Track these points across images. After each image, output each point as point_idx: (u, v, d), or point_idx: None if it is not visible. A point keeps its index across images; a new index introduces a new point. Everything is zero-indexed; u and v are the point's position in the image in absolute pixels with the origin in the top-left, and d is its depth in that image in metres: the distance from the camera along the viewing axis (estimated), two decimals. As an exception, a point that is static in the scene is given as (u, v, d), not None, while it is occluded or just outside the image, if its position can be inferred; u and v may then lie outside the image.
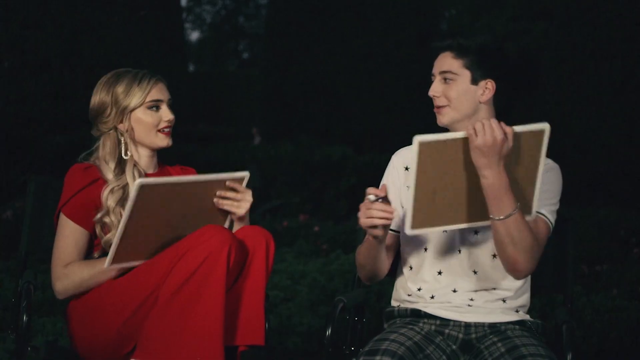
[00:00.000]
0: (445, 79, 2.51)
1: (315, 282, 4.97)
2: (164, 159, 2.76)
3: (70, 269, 2.51)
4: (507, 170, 2.29)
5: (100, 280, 2.49)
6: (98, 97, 2.62)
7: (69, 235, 2.55)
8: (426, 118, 3.22)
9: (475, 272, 2.51)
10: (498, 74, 2.50)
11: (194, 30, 22.99)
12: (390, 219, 2.32)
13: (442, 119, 2.53)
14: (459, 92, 2.49)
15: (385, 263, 2.57)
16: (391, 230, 2.63)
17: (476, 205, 2.34)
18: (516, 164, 2.31)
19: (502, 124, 2.28)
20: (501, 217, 2.32)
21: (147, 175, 2.66)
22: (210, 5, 22.61)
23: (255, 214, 7.18)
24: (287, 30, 10.63)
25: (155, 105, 2.62)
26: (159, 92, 2.63)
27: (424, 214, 2.30)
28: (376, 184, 2.67)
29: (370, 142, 9.66)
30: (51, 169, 7.07)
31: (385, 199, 2.31)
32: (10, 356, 3.47)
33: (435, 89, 2.52)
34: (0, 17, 8.07)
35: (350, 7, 10.42)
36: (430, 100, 2.57)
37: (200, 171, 2.85)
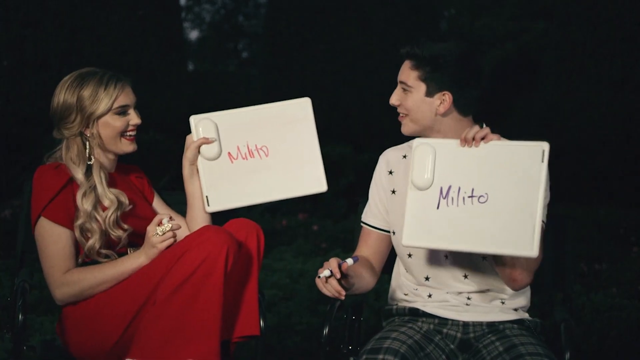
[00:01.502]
0: (403, 89, 2.48)
1: (315, 281, 4.95)
2: (126, 159, 2.71)
3: (71, 277, 2.45)
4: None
5: (103, 288, 2.45)
6: (62, 99, 2.55)
7: (58, 240, 2.48)
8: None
9: (465, 277, 2.49)
10: (455, 85, 2.42)
11: (193, 30, 22.97)
12: (341, 299, 2.35)
13: (403, 129, 2.51)
14: (414, 103, 2.46)
15: (366, 281, 2.54)
16: (381, 230, 2.61)
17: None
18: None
19: None
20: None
21: (110, 175, 2.61)
22: (209, 5, 22.58)
23: (254, 213, 7.18)
24: (287, 30, 10.62)
25: (122, 111, 2.57)
26: (125, 96, 2.57)
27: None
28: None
29: (370, 141, 9.64)
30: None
31: (343, 276, 2.34)
32: (7, 356, 3.46)
33: (395, 98, 2.50)
34: (0, 16, 8.06)
35: (349, 7, 10.40)
36: None
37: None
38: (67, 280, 2.45)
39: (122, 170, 2.70)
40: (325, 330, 2.49)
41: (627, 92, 8.76)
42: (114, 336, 2.43)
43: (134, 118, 2.59)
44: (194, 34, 23.47)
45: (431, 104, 2.45)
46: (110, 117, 2.55)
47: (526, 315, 2.55)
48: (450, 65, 2.41)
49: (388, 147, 2.66)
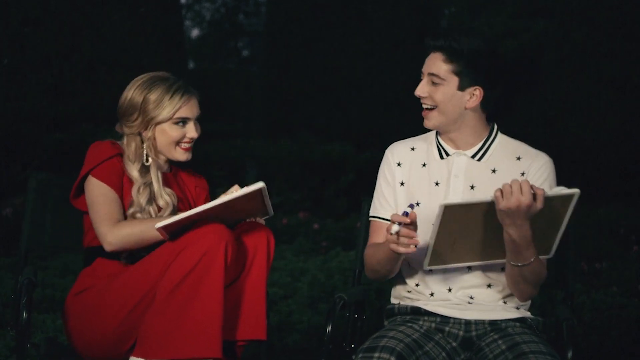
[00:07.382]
0: (432, 81, 2.48)
1: (315, 279, 4.97)
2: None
3: (120, 223, 2.51)
4: (532, 220, 2.27)
5: (148, 237, 2.48)
6: (129, 96, 2.61)
7: (106, 196, 2.54)
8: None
9: (469, 269, 2.50)
10: (487, 81, 2.47)
11: (193, 28, 22.97)
12: (413, 250, 2.30)
13: (429, 122, 2.52)
14: (445, 96, 2.47)
15: (399, 265, 2.54)
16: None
17: (493, 247, 2.35)
18: (541, 216, 2.28)
19: (534, 186, 2.24)
20: (518, 265, 2.36)
21: (163, 175, 2.66)
22: (209, 3, 22.58)
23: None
24: (287, 28, 10.61)
25: (182, 122, 2.63)
26: (188, 109, 2.64)
27: (441, 255, 2.33)
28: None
29: (370, 139, 9.65)
30: (51, 166, 7.06)
31: (409, 225, 2.29)
32: (10, 353, 3.47)
33: (422, 90, 2.50)
34: (0, 14, 8.06)
35: (350, 5, 10.40)
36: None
37: (200, 169, 2.87)
38: (118, 225, 2.50)
39: (182, 173, 2.76)
40: (328, 329, 2.49)
41: (628, 92, 8.76)
42: (110, 328, 2.45)
43: (191, 131, 2.65)
44: (194, 32, 23.48)
45: (461, 98, 2.47)
46: (168, 125, 2.62)
47: (528, 314, 2.56)
48: (485, 61, 2.45)
49: (388, 145, 2.67)
